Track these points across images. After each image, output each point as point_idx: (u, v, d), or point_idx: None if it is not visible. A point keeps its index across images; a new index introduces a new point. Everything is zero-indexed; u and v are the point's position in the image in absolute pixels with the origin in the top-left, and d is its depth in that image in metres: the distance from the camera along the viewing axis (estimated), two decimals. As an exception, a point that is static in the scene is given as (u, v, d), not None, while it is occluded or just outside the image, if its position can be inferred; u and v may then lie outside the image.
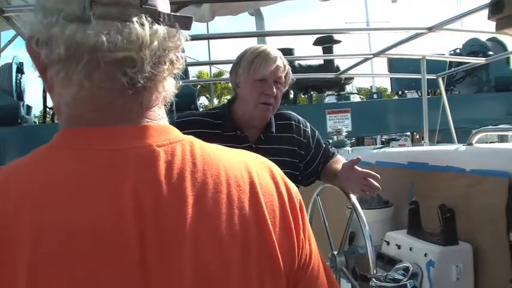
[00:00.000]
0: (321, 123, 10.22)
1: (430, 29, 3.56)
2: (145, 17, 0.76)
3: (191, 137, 0.84)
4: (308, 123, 2.46)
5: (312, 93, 13.59)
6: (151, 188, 0.74)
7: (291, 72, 2.27)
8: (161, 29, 0.78)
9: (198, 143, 0.83)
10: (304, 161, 2.38)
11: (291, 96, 13.22)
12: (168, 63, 0.81)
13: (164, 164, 0.76)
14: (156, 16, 0.78)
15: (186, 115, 2.33)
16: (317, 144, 2.44)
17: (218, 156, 0.83)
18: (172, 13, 0.81)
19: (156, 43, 0.77)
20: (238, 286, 0.77)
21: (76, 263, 0.69)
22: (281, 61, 2.20)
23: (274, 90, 2.17)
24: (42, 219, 0.69)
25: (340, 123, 9.77)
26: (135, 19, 0.75)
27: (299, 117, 2.43)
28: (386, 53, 4.58)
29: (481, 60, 5.73)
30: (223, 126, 2.23)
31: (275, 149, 2.25)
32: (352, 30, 5.23)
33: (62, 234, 0.69)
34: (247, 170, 0.84)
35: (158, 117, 0.82)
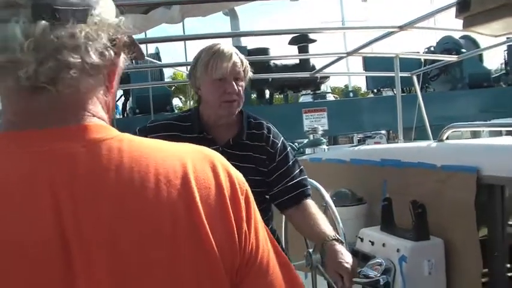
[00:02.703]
0: (297, 122, 10.25)
1: (401, 28, 3.59)
2: (27, 15, 0.74)
3: (123, 135, 0.83)
4: (281, 137, 2.37)
5: (287, 92, 13.62)
6: (71, 188, 0.74)
7: (248, 65, 2.27)
8: (47, 27, 0.75)
9: (128, 141, 0.81)
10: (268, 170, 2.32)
11: (267, 96, 13.24)
12: (71, 62, 0.77)
13: (87, 164, 0.76)
14: (47, 13, 0.75)
15: (158, 119, 2.38)
16: (281, 161, 2.33)
17: (150, 152, 0.81)
18: (69, 8, 0.77)
19: (42, 42, 0.74)
20: (167, 285, 0.76)
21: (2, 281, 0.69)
22: (237, 57, 2.19)
23: (236, 87, 2.17)
24: None
25: (316, 122, 9.80)
26: (14, 19, 0.73)
27: (273, 128, 2.37)
28: (361, 51, 4.60)
29: (453, 58, 5.78)
30: (192, 129, 2.25)
31: (243, 155, 2.24)
32: (326, 29, 5.27)
33: None
34: (181, 164, 0.82)
35: (85, 117, 0.81)
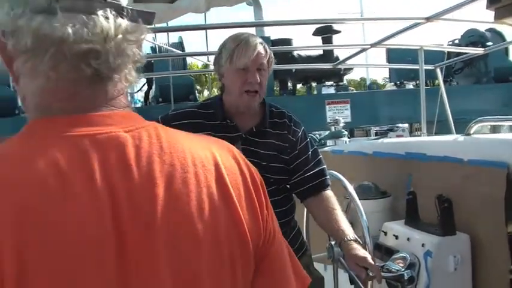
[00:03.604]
0: (320, 114, 10.22)
1: (428, 19, 3.54)
2: (110, 11, 0.79)
3: (154, 123, 0.87)
4: (302, 126, 2.39)
5: (310, 84, 13.53)
6: (123, 171, 0.77)
7: (273, 56, 2.26)
8: (124, 23, 0.81)
9: (161, 128, 0.86)
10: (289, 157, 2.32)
11: (290, 87, 13.18)
12: (130, 56, 0.84)
13: (133, 148, 0.79)
14: (120, 10, 0.81)
15: (180, 108, 2.42)
16: (302, 149, 2.34)
17: (182, 139, 0.87)
18: (135, 8, 0.83)
19: (120, 36, 0.80)
20: (210, 263, 0.81)
21: (60, 267, 0.69)
22: (262, 47, 2.19)
23: (258, 77, 2.16)
24: (25, 221, 0.69)
25: (339, 114, 9.76)
26: (100, 12, 0.78)
27: (294, 117, 2.38)
28: (384, 43, 4.56)
29: (479, 51, 5.71)
30: (215, 116, 2.25)
31: (265, 143, 2.24)
32: (351, 20, 5.22)
33: (46, 236, 0.69)
34: (210, 152, 0.88)
35: (123, 105, 0.86)
